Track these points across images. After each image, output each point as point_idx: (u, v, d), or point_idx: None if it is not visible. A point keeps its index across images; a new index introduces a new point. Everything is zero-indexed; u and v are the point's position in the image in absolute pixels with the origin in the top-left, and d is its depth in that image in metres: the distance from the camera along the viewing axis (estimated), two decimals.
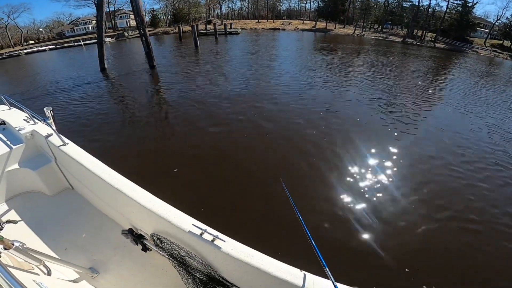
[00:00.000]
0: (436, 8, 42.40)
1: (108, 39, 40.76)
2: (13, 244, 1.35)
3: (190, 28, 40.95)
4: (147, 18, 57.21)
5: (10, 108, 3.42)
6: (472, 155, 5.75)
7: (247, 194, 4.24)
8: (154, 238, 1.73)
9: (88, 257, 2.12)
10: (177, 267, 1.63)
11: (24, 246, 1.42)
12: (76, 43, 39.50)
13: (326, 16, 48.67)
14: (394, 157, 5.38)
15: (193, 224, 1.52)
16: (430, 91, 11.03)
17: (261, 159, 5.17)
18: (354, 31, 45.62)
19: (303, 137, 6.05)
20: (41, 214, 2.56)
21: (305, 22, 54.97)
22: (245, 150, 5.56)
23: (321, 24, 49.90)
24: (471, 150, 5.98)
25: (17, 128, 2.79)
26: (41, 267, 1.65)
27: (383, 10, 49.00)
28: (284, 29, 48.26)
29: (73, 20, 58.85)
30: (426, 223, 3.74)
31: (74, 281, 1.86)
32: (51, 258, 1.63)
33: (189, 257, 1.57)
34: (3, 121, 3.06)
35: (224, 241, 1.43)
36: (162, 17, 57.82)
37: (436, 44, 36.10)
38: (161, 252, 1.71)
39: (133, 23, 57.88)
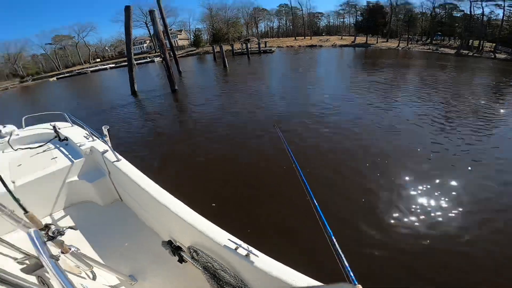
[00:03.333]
0: (492, 16, 37.71)
1: (156, 59, 45.30)
2: (70, 249, 1.47)
3: (228, 47, 43.39)
4: (191, 38, 62.22)
5: (72, 126, 3.91)
6: None
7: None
8: (191, 250, 1.81)
9: (130, 265, 2.26)
10: (210, 279, 1.69)
11: (79, 251, 1.54)
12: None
13: (365, 31, 47.04)
14: (453, 190, 4.64)
15: (228, 239, 1.58)
16: (495, 109, 9.39)
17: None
18: (398, 45, 42.94)
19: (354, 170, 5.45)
20: (93, 222, 2.82)
21: (343, 37, 53.82)
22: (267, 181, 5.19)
23: (361, 39, 48.28)
24: None
25: (78, 144, 3.15)
26: (88, 272, 1.76)
27: (430, 21, 45.43)
28: (321, 46, 47.89)
29: (132, 40, 67.03)
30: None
31: (114, 286, 2.00)
32: (98, 264, 1.74)
33: (222, 270, 1.61)
34: (66, 137, 3.50)
35: (257, 256, 1.44)
36: (206, 37, 62.20)
37: (496, 55, 31.74)
38: (196, 264, 1.79)
39: (181, 42, 63.63)
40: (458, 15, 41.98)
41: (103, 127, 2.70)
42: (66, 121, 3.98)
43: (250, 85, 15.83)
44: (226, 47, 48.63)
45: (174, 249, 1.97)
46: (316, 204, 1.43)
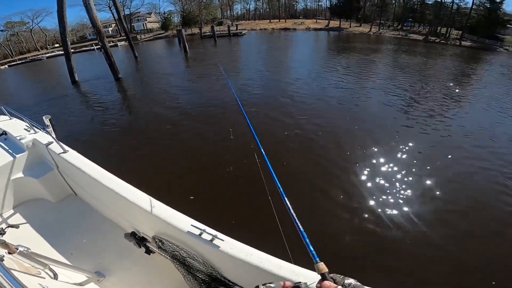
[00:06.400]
0: (461, 4, 38.28)
1: (120, 43, 42.19)
2: (17, 249, 1.40)
3: (198, 30, 41.17)
4: (162, 20, 58.27)
5: (10, 118, 3.55)
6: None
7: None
8: (156, 240, 1.76)
9: (94, 261, 2.17)
10: (180, 268, 1.64)
11: (29, 250, 1.47)
12: (91, 47, 41.34)
13: (340, 14, 46.33)
14: (416, 159, 5.14)
15: (191, 225, 1.54)
16: (457, 90, 10.21)
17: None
18: (370, 29, 42.85)
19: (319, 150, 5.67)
20: (46, 220, 2.64)
21: (318, 21, 52.81)
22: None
23: (334, 23, 47.61)
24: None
25: (18, 138, 2.87)
26: (47, 271, 1.69)
27: (403, 7, 45.50)
28: (295, 29, 46.78)
29: None
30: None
31: (81, 284, 1.91)
32: (57, 262, 1.69)
33: (190, 258, 1.58)
34: (4, 131, 3.16)
35: (223, 240, 1.42)
36: (177, 20, 58.45)
37: (462, 42, 32.58)
38: (163, 254, 1.73)
39: (150, 25, 59.65)
40: (430, 2, 42.35)
41: (44, 117, 2.51)
42: (3, 114, 3.59)
43: (203, 71, 15.11)
44: (195, 30, 46.27)
45: (139, 240, 1.90)
46: (280, 187, 1.19)
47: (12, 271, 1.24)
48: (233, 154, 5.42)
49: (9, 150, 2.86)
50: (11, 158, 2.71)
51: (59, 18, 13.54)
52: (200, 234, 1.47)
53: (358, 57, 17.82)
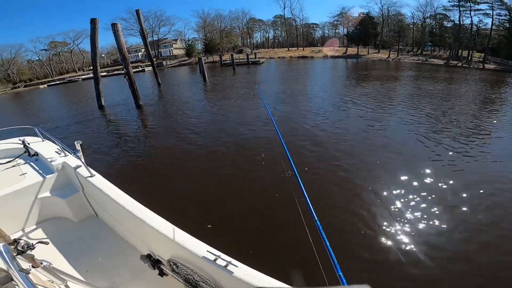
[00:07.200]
0: (480, 25, 37.65)
1: (147, 69, 45.22)
2: (41, 263, 1.46)
3: (222, 57, 43.41)
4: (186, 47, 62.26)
5: (43, 140, 3.84)
6: None
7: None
8: (171, 263, 1.82)
9: (108, 279, 2.23)
10: None
11: (51, 265, 1.53)
12: (122, 71, 44.65)
13: (357, 42, 47.22)
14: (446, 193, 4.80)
15: (207, 251, 1.60)
16: (483, 120, 9.49)
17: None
18: (389, 56, 43.01)
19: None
20: (67, 238, 2.77)
21: (336, 48, 54.03)
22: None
23: (352, 50, 48.45)
24: None
25: (49, 160, 3.12)
26: (63, 286, 1.76)
27: (421, 31, 45.65)
28: (313, 57, 48.02)
29: (126, 48, 67.21)
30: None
31: None
32: (74, 279, 1.73)
33: (203, 282, 1.61)
34: (36, 152, 3.44)
35: (237, 266, 1.47)
36: (201, 47, 62.25)
37: (485, 65, 31.59)
38: (176, 277, 1.79)
39: (175, 51, 63.98)
40: (449, 25, 42.18)
41: (75, 142, 2.66)
42: (37, 135, 3.92)
43: (221, 103, 14.94)
44: (216, 57, 48.89)
45: (154, 262, 1.98)
46: (312, 209, 1.35)
47: (37, 286, 1.32)
48: (256, 185, 5.35)
49: (40, 171, 3.12)
50: (41, 179, 2.95)
51: (92, 44, 14.45)
52: (215, 260, 1.53)
53: (379, 85, 17.48)
